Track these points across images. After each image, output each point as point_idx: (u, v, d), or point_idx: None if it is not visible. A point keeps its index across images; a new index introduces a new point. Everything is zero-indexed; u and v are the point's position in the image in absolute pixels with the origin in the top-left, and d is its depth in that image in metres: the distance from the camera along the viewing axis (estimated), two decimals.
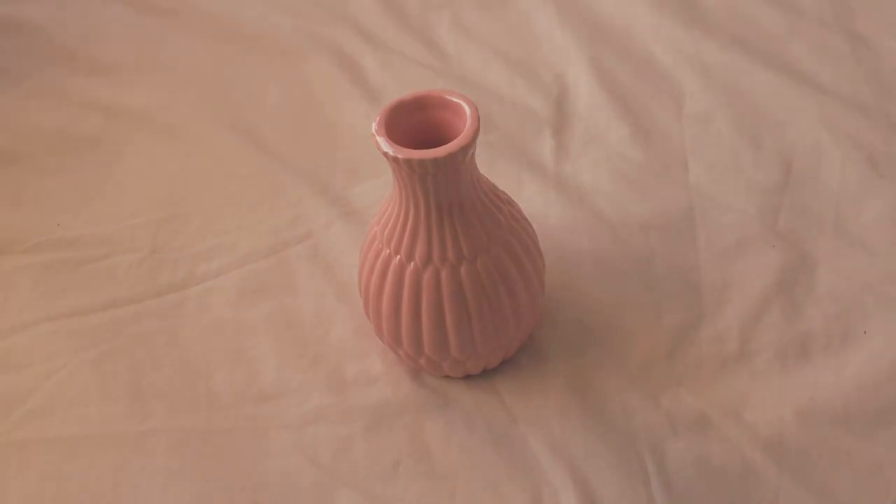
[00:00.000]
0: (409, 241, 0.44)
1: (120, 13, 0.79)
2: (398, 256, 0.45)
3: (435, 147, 0.40)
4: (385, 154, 0.41)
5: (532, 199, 0.60)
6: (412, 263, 0.45)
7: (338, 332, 0.54)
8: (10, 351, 0.54)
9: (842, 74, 0.67)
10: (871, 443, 0.47)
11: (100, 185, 0.64)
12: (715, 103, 0.65)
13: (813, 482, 0.46)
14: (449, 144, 0.40)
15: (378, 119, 0.42)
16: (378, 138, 0.41)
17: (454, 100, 0.43)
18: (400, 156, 0.40)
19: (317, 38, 0.75)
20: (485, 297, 0.45)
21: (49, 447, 0.50)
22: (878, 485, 0.45)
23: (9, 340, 0.55)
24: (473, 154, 0.43)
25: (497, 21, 0.75)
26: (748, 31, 0.72)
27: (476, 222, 0.44)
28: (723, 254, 0.56)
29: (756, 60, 0.69)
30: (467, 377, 0.51)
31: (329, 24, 0.76)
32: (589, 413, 0.49)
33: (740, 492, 0.46)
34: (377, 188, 0.62)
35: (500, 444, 0.48)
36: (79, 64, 0.74)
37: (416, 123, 0.43)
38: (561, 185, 0.61)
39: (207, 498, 0.47)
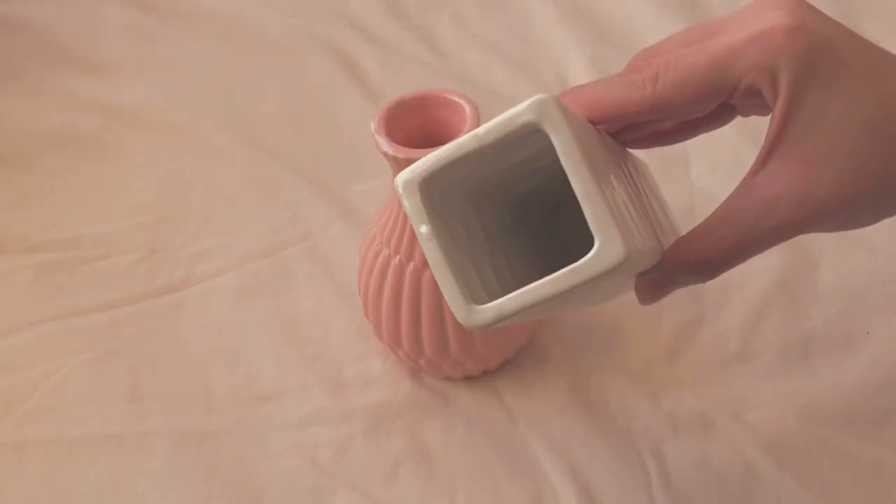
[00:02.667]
0: (409, 241, 0.44)
1: (120, 13, 0.79)
2: (398, 257, 0.45)
3: (435, 147, 0.40)
4: (385, 154, 0.40)
5: None
6: (412, 263, 0.45)
7: (338, 332, 0.54)
8: (9, 351, 0.54)
9: None
10: (873, 443, 0.47)
11: (99, 185, 0.64)
12: None
13: (814, 483, 0.45)
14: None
15: (378, 119, 0.42)
16: (378, 138, 0.41)
17: (454, 99, 0.43)
18: (400, 155, 0.40)
19: (317, 38, 0.75)
20: None
21: (49, 447, 0.50)
22: (879, 485, 0.45)
23: (8, 340, 0.55)
24: None
25: (497, 20, 0.75)
26: None
27: None
28: None
29: None
30: (467, 378, 0.51)
31: (329, 23, 0.76)
32: (589, 413, 0.49)
33: (741, 492, 0.46)
34: (377, 188, 0.62)
35: (501, 444, 0.48)
36: (78, 64, 0.74)
37: (416, 123, 0.43)
38: None
39: (207, 498, 0.47)
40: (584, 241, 0.30)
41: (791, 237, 0.27)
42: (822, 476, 0.46)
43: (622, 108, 0.30)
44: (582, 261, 0.29)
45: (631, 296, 0.54)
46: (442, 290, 0.32)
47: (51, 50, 0.75)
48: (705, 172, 0.61)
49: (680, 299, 0.54)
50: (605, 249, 0.28)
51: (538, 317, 0.33)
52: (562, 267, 0.29)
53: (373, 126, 0.41)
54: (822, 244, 0.56)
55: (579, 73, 0.69)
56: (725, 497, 0.45)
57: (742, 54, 0.25)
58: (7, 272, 0.59)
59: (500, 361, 0.51)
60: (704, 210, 0.58)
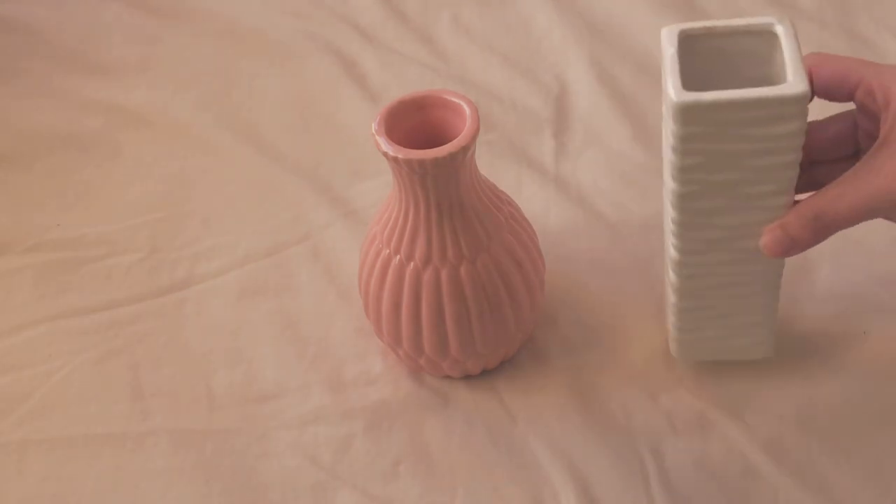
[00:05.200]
0: (409, 241, 0.44)
1: (120, 13, 0.79)
2: (398, 256, 0.45)
3: (435, 147, 0.40)
4: (385, 154, 0.41)
5: (532, 199, 0.60)
6: (412, 263, 0.45)
7: (338, 332, 0.54)
8: (10, 351, 0.55)
9: None
10: (871, 443, 0.47)
11: (100, 185, 0.64)
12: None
13: (812, 482, 0.46)
14: (449, 144, 0.40)
15: (378, 119, 0.42)
16: (378, 138, 0.41)
17: (454, 100, 0.43)
18: (400, 156, 0.40)
19: (317, 38, 0.75)
20: (485, 297, 0.45)
21: (49, 447, 0.50)
22: (877, 485, 0.45)
23: (9, 340, 0.55)
24: (473, 154, 0.43)
25: (497, 21, 0.75)
26: None
27: (476, 222, 0.44)
28: None
29: None
30: (467, 377, 0.51)
31: (329, 24, 0.76)
32: (589, 413, 0.49)
33: (740, 492, 0.46)
34: (377, 188, 0.62)
35: (500, 444, 0.48)
36: (79, 64, 0.74)
37: (416, 123, 0.43)
38: (561, 185, 0.61)
39: (207, 498, 0.47)
40: None
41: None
42: (821, 475, 0.46)
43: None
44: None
45: (630, 296, 0.55)
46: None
47: (52, 50, 0.75)
48: None
49: None
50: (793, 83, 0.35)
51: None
52: None
53: (373, 126, 0.42)
54: (820, 245, 0.56)
55: (578, 73, 0.69)
56: (724, 496, 0.46)
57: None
58: (8, 272, 0.59)
59: (500, 361, 0.51)
60: None
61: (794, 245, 0.40)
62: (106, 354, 0.54)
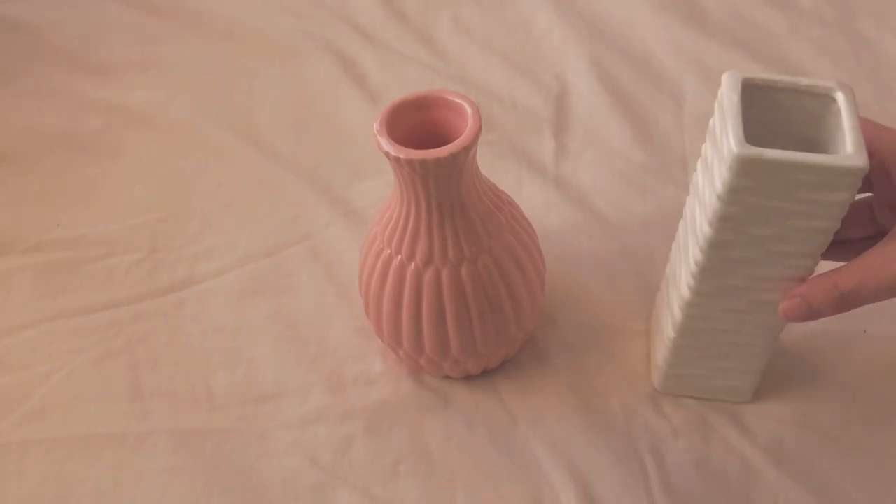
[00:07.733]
0: (410, 241, 0.44)
1: (120, 13, 0.79)
2: (399, 257, 0.45)
3: (436, 147, 0.40)
4: (387, 154, 0.40)
5: (532, 199, 0.60)
6: (413, 264, 0.45)
7: (338, 332, 0.54)
8: (10, 351, 0.54)
9: (842, 74, 0.67)
10: (871, 443, 0.47)
11: (100, 185, 0.64)
12: (715, 103, 0.65)
13: (813, 482, 0.46)
14: (451, 144, 0.40)
15: (379, 119, 0.42)
16: (379, 138, 0.41)
17: (455, 100, 0.43)
18: (401, 156, 0.40)
19: (317, 38, 0.75)
20: (485, 298, 0.45)
21: (49, 447, 0.50)
22: (878, 485, 0.45)
23: (9, 340, 0.55)
24: (475, 154, 0.42)
25: (497, 21, 0.75)
26: (748, 31, 0.72)
27: (477, 222, 0.44)
28: None
29: (756, 60, 0.69)
30: (467, 377, 0.51)
31: (329, 24, 0.76)
32: (589, 413, 0.49)
33: (740, 492, 0.46)
34: (377, 188, 0.62)
35: (500, 444, 0.48)
36: (79, 64, 0.74)
37: (418, 123, 0.43)
38: (561, 185, 0.61)
39: (207, 498, 0.47)
40: None
41: None
42: (821, 475, 0.46)
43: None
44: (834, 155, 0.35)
45: (630, 295, 0.55)
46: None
47: (53, 50, 0.75)
48: None
49: None
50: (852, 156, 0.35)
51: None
52: None
53: (375, 126, 0.42)
54: None
55: (578, 73, 0.69)
56: (724, 496, 0.46)
57: None
58: (8, 272, 0.59)
59: (500, 361, 0.51)
60: None
61: (814, 315, 0.40)
62: (106, 354, 0.54)
